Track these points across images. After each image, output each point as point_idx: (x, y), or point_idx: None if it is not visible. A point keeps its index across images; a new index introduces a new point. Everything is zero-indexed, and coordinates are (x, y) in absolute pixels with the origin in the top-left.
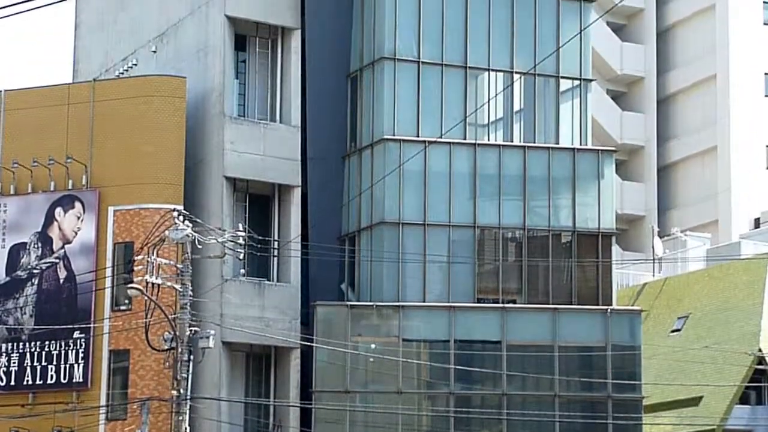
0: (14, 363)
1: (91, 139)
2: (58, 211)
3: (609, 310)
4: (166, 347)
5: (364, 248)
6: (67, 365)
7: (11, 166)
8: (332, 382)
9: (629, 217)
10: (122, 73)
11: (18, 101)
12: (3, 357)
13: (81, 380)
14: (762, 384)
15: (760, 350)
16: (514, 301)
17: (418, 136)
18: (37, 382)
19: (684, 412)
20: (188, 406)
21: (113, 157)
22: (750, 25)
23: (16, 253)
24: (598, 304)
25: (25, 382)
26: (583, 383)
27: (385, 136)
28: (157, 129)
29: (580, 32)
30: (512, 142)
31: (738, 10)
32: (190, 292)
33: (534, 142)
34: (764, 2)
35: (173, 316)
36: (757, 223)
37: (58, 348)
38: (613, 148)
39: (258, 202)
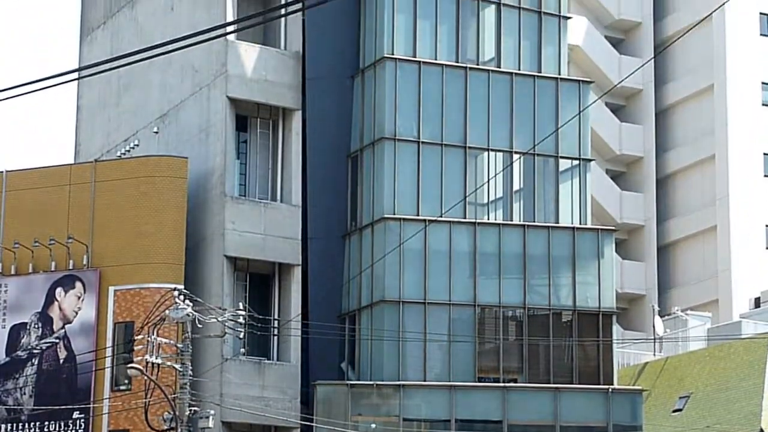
0: None
1: (92, 219)
2: (59, 291)
3: (610, 390)
4: (165, 427)
5: (365, 327)
6: None
7: (12, 247)
8: None
9: (629, 296)
10: (124, 154)
11: (19, 182)
12: None
13: None
14: None
15: (761, 431)
16: (515, 380)
17: (418, 215)
18: None
19: None
20: None
21: (114, 237)
22: (749, 106)
23: (16, 333)
24: (599, 384)
25: None
26: None
27: (386, 215)
28: (158, 209)
29: (579, 113)
30: (512, 221)
31: (737, 89)
32: (190, 372)
33: (534, 221)
34: (763, 83)
35: (173, 396)
36: (757, 302)
37: (57, 428)
38: (612, 228)
39: (258, 281)
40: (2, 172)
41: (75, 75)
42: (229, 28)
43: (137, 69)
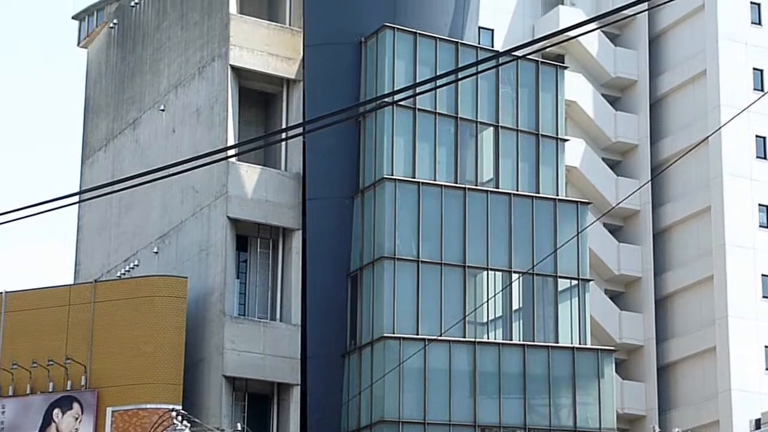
0: None
1: (91, 339)
2: (56, 412)
3: None
4: None
5: None
6: None
7: (10, 368)
8: None
9: (630, 416)
10: (124, 274)
11: (19, 303)
12: None
13: None
14: None
15: None
16: None
17: (417, 335)
18: None
19: None
20: None
21: (113, 358)
22: (748, 229)
23: None
24: None
25: None
26: None
27: (385, 334)
28: (157, 329)
29: (578, 234)
30: (512, 340)
31: (735, 212)
32: None
33: (533, 341)
34: (760, 204)
35: None
36: (758, 424)
37: None
38: (612, 348)
39: (257, 401)
40: (2, 292)
41: (76, 198)
42: (231, 151)
43: (138, 190)
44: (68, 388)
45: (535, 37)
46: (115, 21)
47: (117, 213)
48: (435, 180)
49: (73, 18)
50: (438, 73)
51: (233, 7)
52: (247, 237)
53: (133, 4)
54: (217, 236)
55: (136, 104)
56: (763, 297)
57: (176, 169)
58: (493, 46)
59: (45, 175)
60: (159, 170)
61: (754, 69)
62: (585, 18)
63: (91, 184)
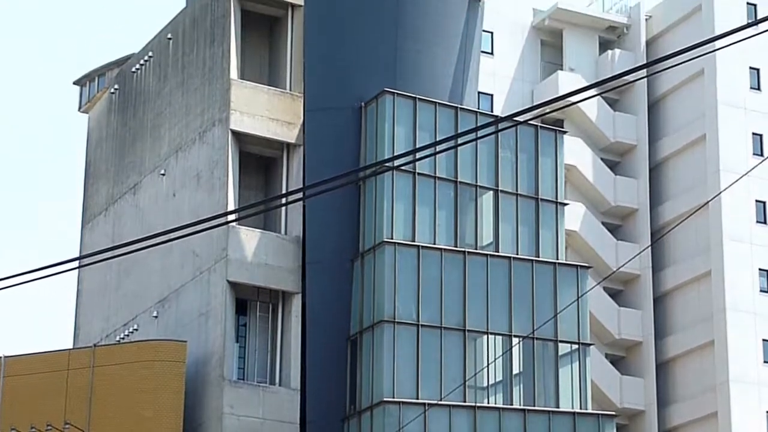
0: None
1: (90, 403)
2: None
3: None
4: None
5: None
6: None
7: None
8: None
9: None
10: (123, 338)
11: (18, 367)
12: None
13: None
14: None
15: None
16: None
17: (417, 399)
18: None
19: None
20: None
21: (112, 422)
22: (748, 292)
23: None
24: None
25: None
26: None
27: (385, 399)
28: (156, 393)
29: (578, 298)
30: (512, 405)
31: (735, 276)
32: None
33: (534, 406)
34: (761, 268)
35: None
36: None
37: None
38: (613, 413)
39: None
40: (1, 357)
41: (76, 263)
42: (231, 216)
43: (138, 254)
44: None
45: (535, 103)
46: (116, 86)
47: (116, 277)
48: (435, 244)
49: (74, 83)
50: (438, 138)
51: (234, 73)
52: (247, 301)
53: (134, 69)
54: (216, 300)
55: (136, 169)
56: (764, 362)
57: (176, 234)
58: (492, 111)
59: (45, 240)
60: (159, 235)
61: (753, 134)
62: (584, 83)
63: (92, 248)
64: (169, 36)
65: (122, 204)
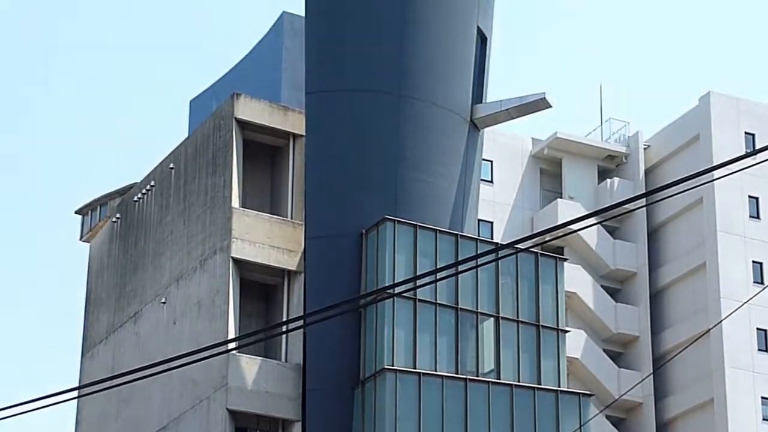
0: None
1: None
2: None
3: None
4: None
5: None
6: None
7: None
8: None
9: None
10: None
11: None
12: None
13: None
14: None
15: None
16: None
17: None
18: None
19: None
20: None
21: None
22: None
23: None
24: None
25: None
26: None
27: None
28: None
29: (580, 426)
30: None
31: (737, 406)
32: None
33: None
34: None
35: None
36: None
37: None
38: None
39: None
40: None
41: (75, 393)
42: (231, 344)
43: (138, 382)
44: None
45: (535, 230)
46: (117, 215)
47: (116, 406)
48: (436, 370)
49: (76, 212)
50: (438, 265)
51: (236, 201)
52: (246, 429)
53: (136, 198)
54: (216, 429)
55: (137, 297)
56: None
57: (176, 363)
58: (492, 238)
59: (44, 369)
60: (159, 364)
61: (753, 262)
62: (583, 211)
63: (91, 377)
64: (172, 165)
65: (122, 332)
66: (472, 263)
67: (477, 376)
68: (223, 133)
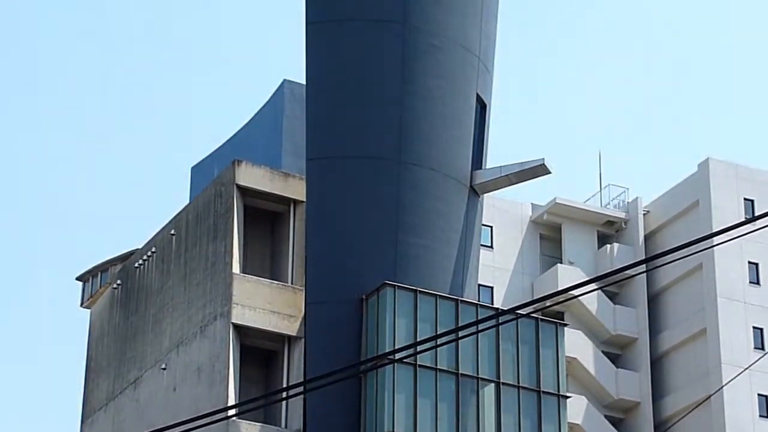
0: None
1: None
2: None
3: None
4: None
5: None
6: None
7: None
8: None
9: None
10: None
11: None
12: None
13: None
14: None
15: None
16: None
17: None
18: None
19: None
20: None
21: None
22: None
23: None
24: None
25: None
26: None
27: None
28: None
29: None
30: None
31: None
32: None
33: None
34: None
35: None
36: None
37: None
38: None
39: None
40: None
41: None
42: (231, 410)
43: None
44: None
45: (535, 295)
46: (118, 282)
47: None
48: None
49: (77, 279)
50: (439, 330)
51: (236, 267)
52: None
53: (137, 264)
54: None
55: (137, 363)
56: None
57: (176, 430)
58: (492, 303)
59: None
60: (159, 431)
61: (754, 327)
62: (583, 276)
63: None
64: (173, 231)
65: (122, 399)
66: (473, 329)
67: None
68: (224, 200)
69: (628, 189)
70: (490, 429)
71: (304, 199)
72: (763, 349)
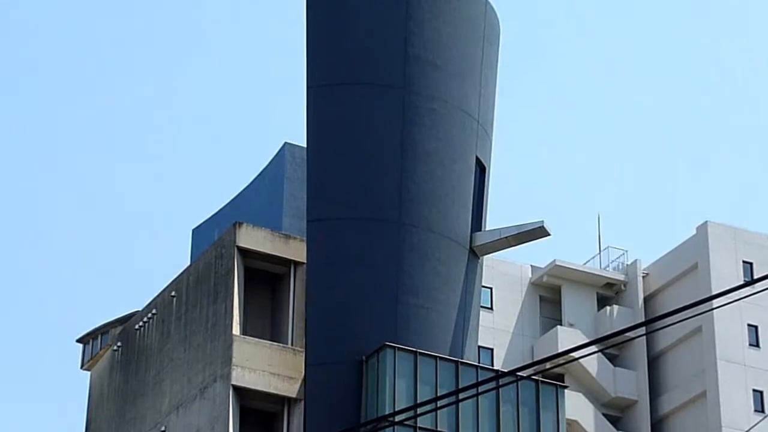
0: None
1: None
2: None
3: None
4: None
5: None
6: None
7: None
8: None
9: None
10: None
11: None
12: None
13: None
14: None
15: None
16: None
17: None
18: None
19: None
20: None
21: None
22: None
23: None
24: None
25: None
26: None
27: None
28: None
29: None
30: None
31: None
32: None
33: None
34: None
35: None
36: None
37: None
38: None
39: None
40: None
41: None
42: None
43: None
44: None
45: (535, 357)
46: (119, 344)
47: None
48: None
49: (77, 341)
50: (439, 392)
51: (236, 329)
52: None
53: (137, 326)
54: None
55: (137, 425)
56: None
57: None
58: (492, 365)
59: None
60: None
61: (754, 390)
62: (583, 338)
63: None
64: (173, 293)
65: None
66: (473, 390)
67: None
68: (224, 261)
69: (627, 251)
70: None
71: (305, 261)
72: (763, 412)
